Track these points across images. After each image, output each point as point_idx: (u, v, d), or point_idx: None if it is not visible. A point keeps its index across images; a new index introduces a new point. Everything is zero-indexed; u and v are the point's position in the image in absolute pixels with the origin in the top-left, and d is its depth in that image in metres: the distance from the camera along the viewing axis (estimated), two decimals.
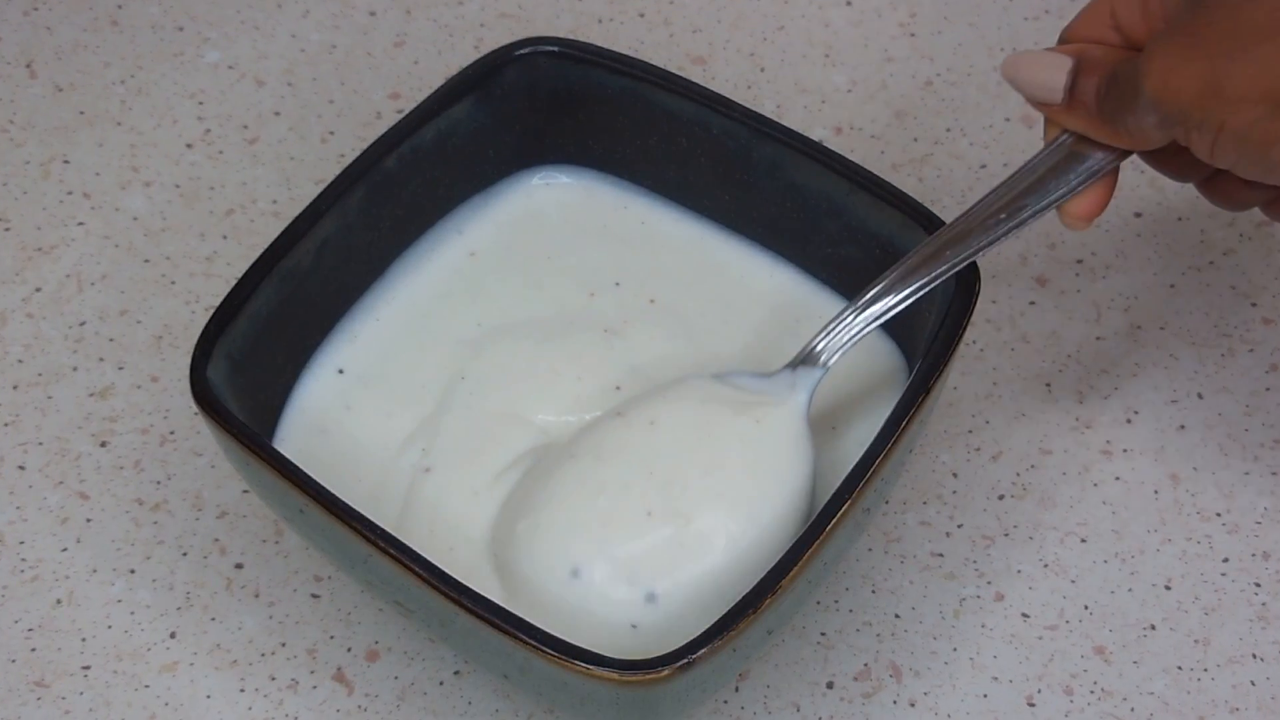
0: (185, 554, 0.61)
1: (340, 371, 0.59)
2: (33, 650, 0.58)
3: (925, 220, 0.56)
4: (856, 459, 0.51)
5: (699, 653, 0.47)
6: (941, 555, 0.61)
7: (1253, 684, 0.58)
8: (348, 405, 0.58)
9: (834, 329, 0.55)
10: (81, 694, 0.57)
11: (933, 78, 0.74)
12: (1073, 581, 0.60)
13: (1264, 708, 0.57)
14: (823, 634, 0.59)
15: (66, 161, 0.71)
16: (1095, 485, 0.62)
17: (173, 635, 0.59)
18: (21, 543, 0.61)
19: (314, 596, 0.60)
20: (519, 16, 0.76)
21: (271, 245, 0.56)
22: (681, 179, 0.62)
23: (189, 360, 0.53)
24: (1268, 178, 0.49)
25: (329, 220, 0.57)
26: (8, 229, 0.69)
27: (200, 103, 0.73)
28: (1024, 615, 0.59)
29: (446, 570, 0.49)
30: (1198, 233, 0.69)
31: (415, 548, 0.50)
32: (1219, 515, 0.61)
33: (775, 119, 0.60)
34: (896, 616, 0.59)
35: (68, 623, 0.59)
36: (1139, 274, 0.68)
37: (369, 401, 0.58)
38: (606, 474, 0.54)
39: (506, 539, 0.54)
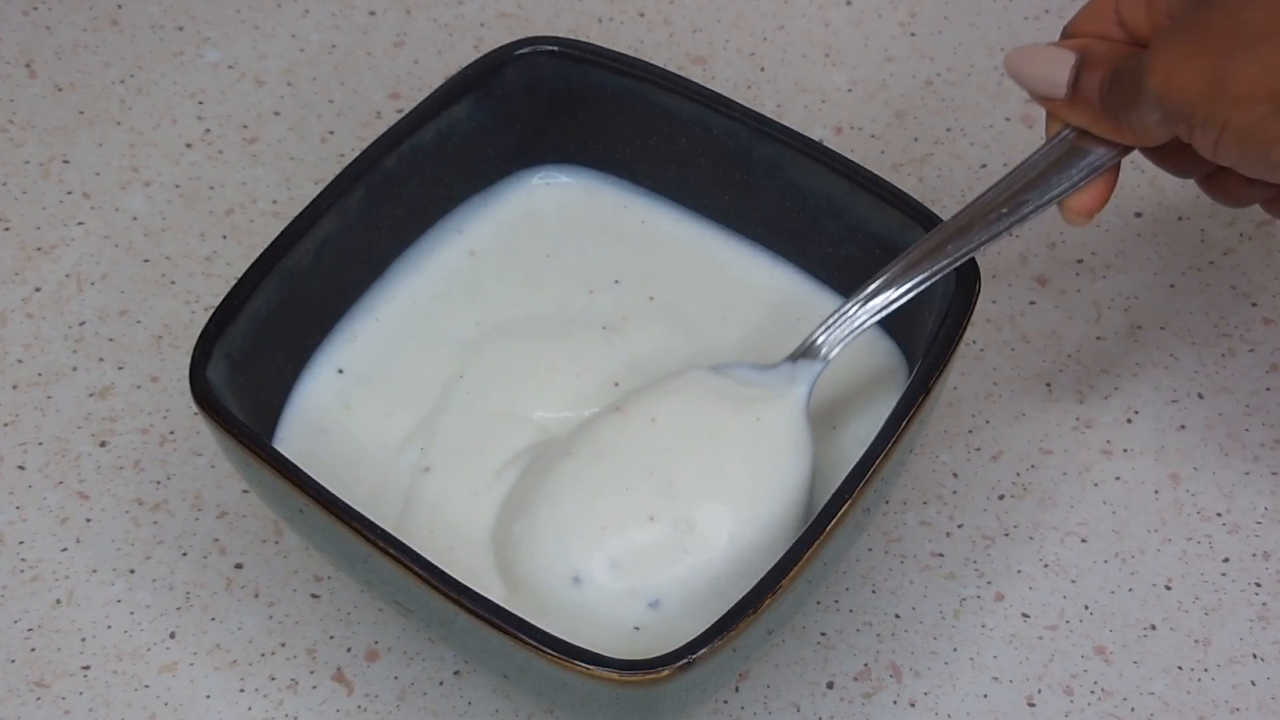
0: (185, 554, 0.60)
1: (340, 371, 0.59)
2: (32, 650, 0.58)
3: (925, 220, 0.56)
4: (856, 458, 0.51)
5: (699, 653, 0.47)
6: (942, 555, 0.60)
7: (1253, 684, 0.58)
8: (347, 405, 0.58)
9: (835, 322, 0.55)
10: (81, 694, 0.57)
11: (933, 77, 0.74)
12: (1073, 581, 0.60)
13: (1264, 708, 0.57)
14: (823, 634, 0.59)
15: (66, 161, 0.71)
16: (1095, 485, 0.62)
17: (172, 635, 0.59)
18: (21, 543, 0.61)
19: (314, 596, 0.60)
20: (519, 16, 0.76)
21: (271, 245, 0.56)
22: (681, 179, 0.62)
23: (189, 360, 0.53)
24: (1269, 175, 0.49)
25: (329, 220, 0.57)
26: (7, 229, 0.69)
27: (200, 102, 0.73)
28: (1024, 615, 0.59)
29: (446, 570, 0.49)
30: (1198, 232, 0.69)
31: (415, 547, 0.50)
32: (1219, 515, 0.61)
33: (775, 119, 0.59)
34: (896, 616, 0.59)
35: (67, 623, 0.59)
36: (1139, 274, 0.68)
37: (369, 401, 0.58)
38: (606, 473, 0.54)
39: (506, 540, 0.54)
